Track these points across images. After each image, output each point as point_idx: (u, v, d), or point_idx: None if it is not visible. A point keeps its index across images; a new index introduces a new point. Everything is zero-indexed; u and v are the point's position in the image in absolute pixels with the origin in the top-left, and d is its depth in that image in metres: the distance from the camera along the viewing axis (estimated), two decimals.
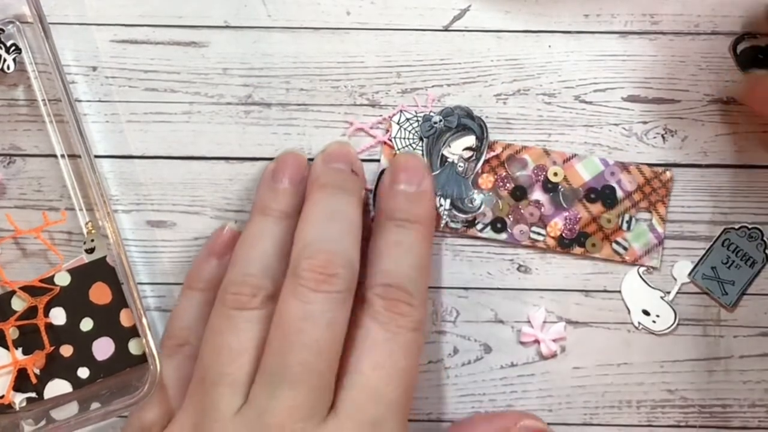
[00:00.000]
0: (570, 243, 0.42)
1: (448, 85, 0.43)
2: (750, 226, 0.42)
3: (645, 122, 0.43)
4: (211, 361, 0.33)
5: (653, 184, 0.42)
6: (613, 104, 0.43)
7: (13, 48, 0.42)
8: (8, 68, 0.42)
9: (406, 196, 0.38)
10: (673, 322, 0.42)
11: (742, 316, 0.42)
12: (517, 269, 0.43)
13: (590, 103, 0.43)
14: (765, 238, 0.42)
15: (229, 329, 0.33)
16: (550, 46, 0.43)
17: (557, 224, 0.42)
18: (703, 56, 0.43)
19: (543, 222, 0.42)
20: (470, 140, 0.42)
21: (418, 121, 0.42)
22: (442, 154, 0.42)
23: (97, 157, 0.42)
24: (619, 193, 0.42)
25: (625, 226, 0.42)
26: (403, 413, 0.32)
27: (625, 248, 0.42)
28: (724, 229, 0.42)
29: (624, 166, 0.42)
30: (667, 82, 0.43)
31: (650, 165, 0.42)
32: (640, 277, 0.42)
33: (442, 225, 0.42)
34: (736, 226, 0.42)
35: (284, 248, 0.37)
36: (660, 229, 0.42)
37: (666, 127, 0.43)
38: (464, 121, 0.42)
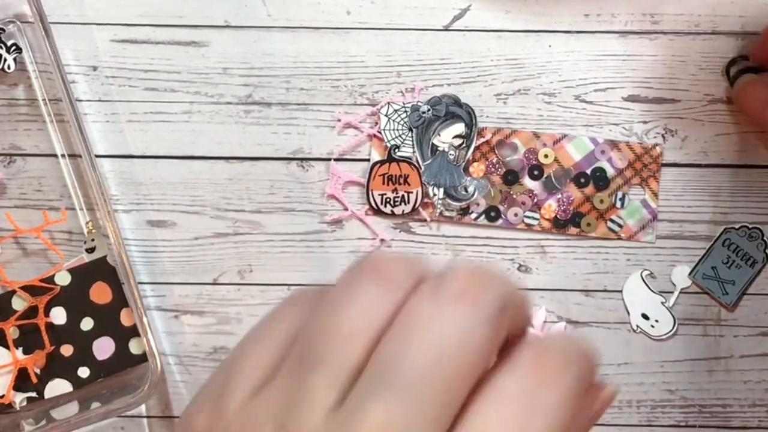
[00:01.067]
0: (565, 224, 0.42)
1: (449, 85, 0.43)
2: (750, 226, 0.42)
3: (645, 122, 0.43)
4: (319, 336, 0.27)
5: (644, 160, 0.42)
6: (614, 104, 0.43)
7: (14, 47, 0.42)
8: (9, 68, 0.42)
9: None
10: (672, 329, 0.42)
11: (742, 315, 0.42)
12: (518, 269, 0.43)
13: (590, 102, 0.43)
14: (765, 238, 0.42)
15: (350, 304, 0.27)
16: (550, 46, 0.43)
17: (551, 206, 0.42)
18: (704, 56, 0.43)
19: (537, 206, 0.42)
20: (459, 128, 0.42)
21: (406, 111, 0.42)
22: (433, 144, 0.42)
23: (97, 156, 0.42)
24: (611, 171, 0.42)
25: (618, 203, 0.42)
26: None
27: (620, 225, 0.42)
28: (725, 229, 0.42)
29: (614, 144, 0.42)
30: (668, 81, 0.43)
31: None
32: (642, 280, 0.42)
33: (436, 214, 0.42)
34: (737, 226, 0.42)
35: None
36: (653, 205, 0.42)
37: (666, 127, 0.43)
38: (452, 109, 0.42)
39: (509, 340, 0.27)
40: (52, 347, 0.41)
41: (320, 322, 0.28)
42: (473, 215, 0.42)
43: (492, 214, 0.42)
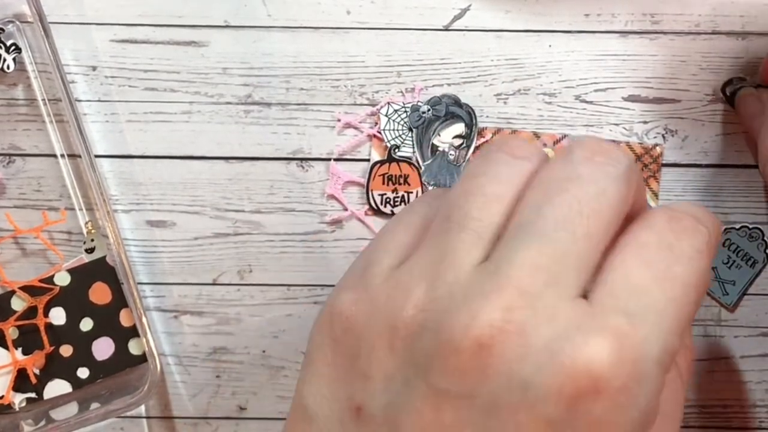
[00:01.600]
0: None
1: (449, 85, 0.43)
2: (751, 226, 0.42)
3: (645, 122, 0.43)
4: (460, 200, 0.29)
5: (644, 160, 0.42)
6: (614, 104, 0.43)
7: (13, 47, 0.42)
8: (8, 68, 0.42)
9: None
10: None
11: (742, 316, 0.42)
12: None
13: (591, 102, 0.43)
14: (766, 238, 0.42)
15: (487, 173, 0.29)
16: (550, 46, 0.43)
17: None
18: (704, 56, 0.43)
19: None
20: (459, 128, 0.42)
21: (406, 111, 0.42)
22: (433, 144, 0.42)
23: (96, 156, 0.42)
24: None
25: None
26: (668, 323, 0.26)
27: None
28: (725, 229, 0.42)
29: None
30: (668, 81, 0.43)
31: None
32: None
33: None
34: (737, 226, 0.42)
35: None
36: (654, 205, 0.42)
37: (666, 127, 0.43)
38: (452, 109, 0.42)
39: (631, 216, 0.28)
40: (52, 348, 0.41)
41: (461, 188, 0.29)
42: None
43: None
